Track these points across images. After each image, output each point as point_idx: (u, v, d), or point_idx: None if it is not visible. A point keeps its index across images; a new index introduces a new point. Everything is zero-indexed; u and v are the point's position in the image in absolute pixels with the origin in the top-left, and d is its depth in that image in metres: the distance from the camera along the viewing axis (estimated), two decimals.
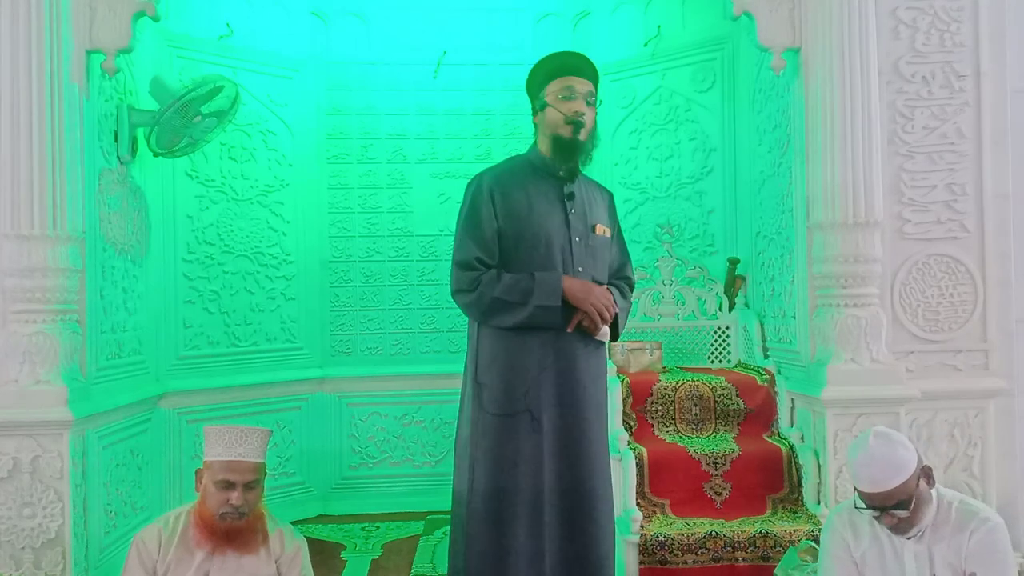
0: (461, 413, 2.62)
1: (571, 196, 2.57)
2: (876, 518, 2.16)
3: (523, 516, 2.44)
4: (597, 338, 2.54)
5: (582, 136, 2.52)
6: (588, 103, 2.53)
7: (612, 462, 3.28)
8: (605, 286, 2.60)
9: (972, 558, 2.13)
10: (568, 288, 2.44)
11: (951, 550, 2.15)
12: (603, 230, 2.62)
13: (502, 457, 2.47)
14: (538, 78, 2.59)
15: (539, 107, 2.58)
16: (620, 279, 2.72)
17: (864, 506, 2.15)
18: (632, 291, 2.76)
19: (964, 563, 2.14)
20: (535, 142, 2.64)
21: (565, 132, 2.50)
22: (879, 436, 2.15)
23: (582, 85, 2.52)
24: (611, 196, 2.78)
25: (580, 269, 2.53)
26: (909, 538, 2.18)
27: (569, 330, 2.47)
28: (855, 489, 2.18)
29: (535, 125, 2.63)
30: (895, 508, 2.10)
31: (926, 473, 2.16)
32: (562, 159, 2.54)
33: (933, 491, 2.18)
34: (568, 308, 2.46)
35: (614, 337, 2.64)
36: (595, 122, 2.58)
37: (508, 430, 2.47)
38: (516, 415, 2.47)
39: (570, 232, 2.54)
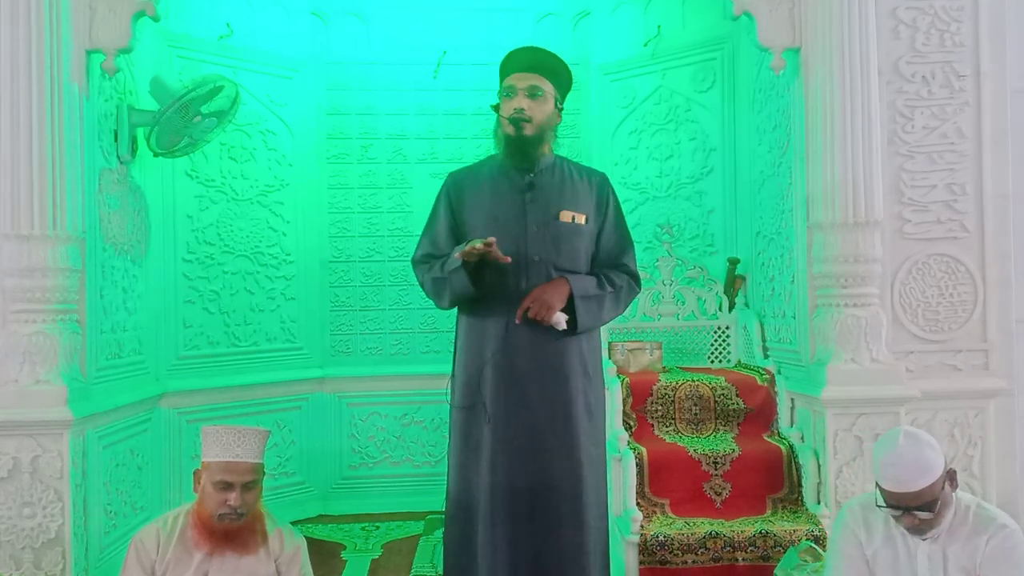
0: None
1: (531, 186, 2.55)
2: (896, 518, 2.13)
3: (481, 510, 2.43)
4: (552, 325, 2.42)
5: (528, 131, 2.50)
6: (532, 96, 2.51)
7: (612, 462, 3.28)
8: (562, 275, 2.50)
9: (988, 563, 2.11)
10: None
11: (965, 553, 2.13)
12: (571, 216, 2.55)
13: (465, 450, 2.51)
14: (499, 80, 2.63)
15: (495, 109, 2.61)
16: (616, 268, 2.63)
17: (884, 504, 2.12)
18: (637, 281, 2.66)
19: (979, 567, 2.12)
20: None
21: (509, 131, 2.52)
22: (909, 436, 2.11)
23: (522, 80, 2.52)
24: (602, 181, 2.67)
25: (536, 258, 2.50)
26: (925, 539, 2.16)
27: (517, 321, 2.42)
28: (876, 487, 2.14)
29: None
30: (919, 509, 2.07)
31: (951, 476, 2.13)
32: (512, 158, 2.56)
33: (954, 494, 2.16)
34: (480, 278, 2.44)
35: (574, 327, 2.47)
36: (551, 113, 2.54)
37: (467, 423, 2.51)
38: (473, 408, 2.50)
39: (526, 221, 2.52)
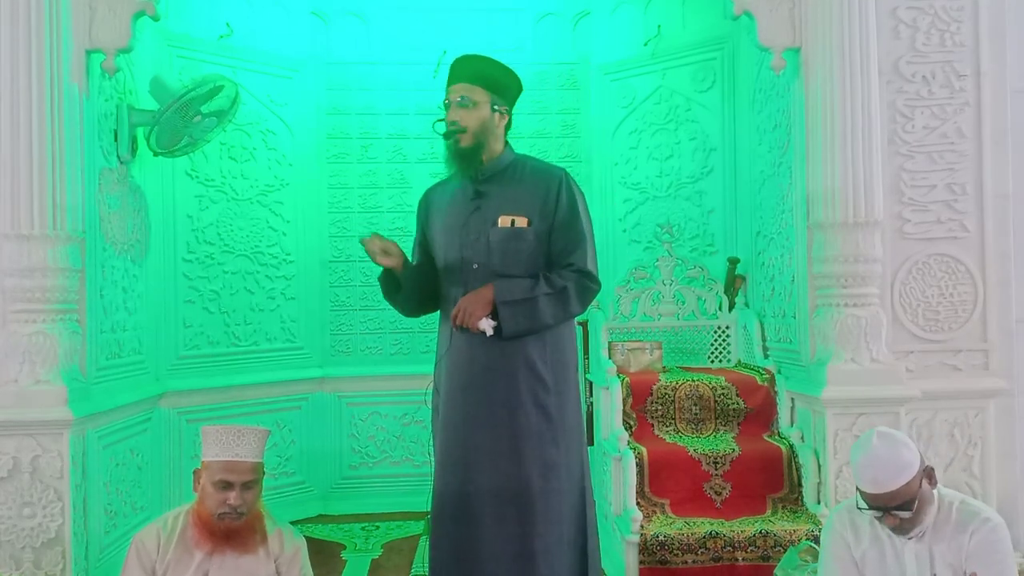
0: None
1: (479, 194, 2.56)
2: (878, 518, 2.15)
3: (444, 512, 2.46)
4: (481, 331, 2.41)
5: (464, 142, 2.51)
6: (463, 106, 2.51)
7: (612, 462, 3.29)
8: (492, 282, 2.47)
9: (973, 558, 2.12)
10: None
11: (951, 550, 2.14)
12: (510, 221, 2.51)
13: (434, 452, 2.58)
14: None
15: None
16: (565, 267, 2.52)
17: (866, 506, 2.13)
18: (590, 278, 2.53)
19: (964, 563, 2.13)
20: None
21: (449, 143, 2.54)
22: (882, 437, 2.13)
23: (454, 93, 2.53)
24: (558, 179, 2.56)
25: (475, 266, 2.50)
26: (910, 538, 2.17)
27: (453, 328, 2.47)
28: (857, 489, 2.17)
29: None
30: (898, 509, 2.09)
31: (928, 474, 2.14)
32: (456, 169, 2.58)
33: (935, 491, 2.17)
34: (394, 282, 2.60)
35: (503, 330, 2.42)
36: (486, 119, 2.52)
37: (433, 426, 2.61)
38: (436, 411, 2.60)
39: (469, 229, 2.53)
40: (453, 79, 2.55)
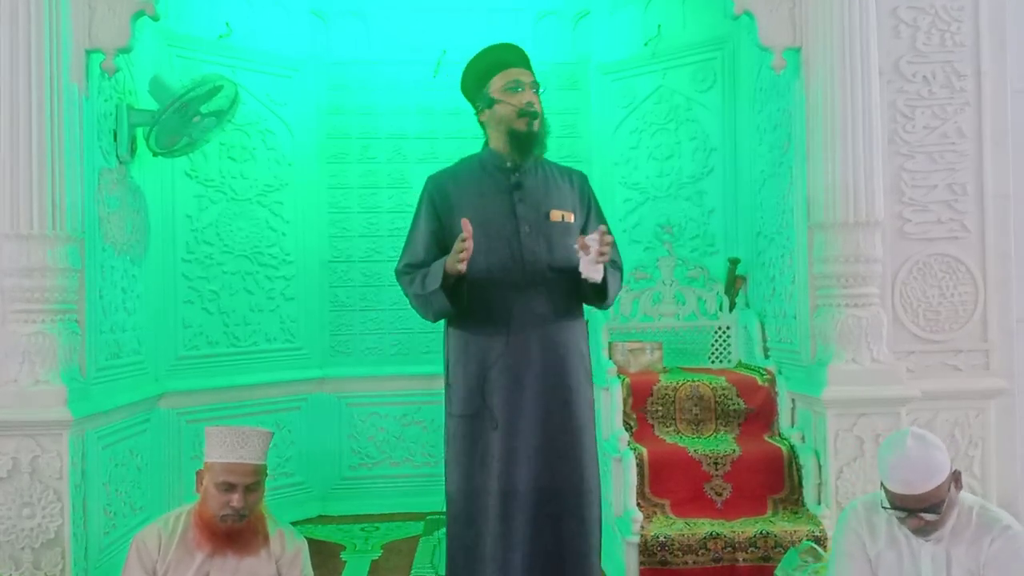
0: None
1: (518, 186, 2.53)
2: (901, 520, 2.12)
3: (491, 518, 2.42)
4: (590, 273, 2.37)
5: (536, 127, 2.51)
6: (536, 91, 2.53)
7: (612, 462, 3.29)
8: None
9: (991, 564, 2.09)
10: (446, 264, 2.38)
11: (969, 555, 2.12)
12: (560, 215, 2.53)
13: (468, 460, 2.49)
14: (476, 75, 2.57)
15: (486, 105, 2.55)
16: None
17: (890, 506, 2.10)
18: (621, 273, 2.64)
19: (982, 568, 2.10)
20: (487, 140, 2.61)
21: (520, 125, 2.49)
22: (917, 437, 2.09)
23: (526, 76, 2.52)
24: (583, 180, 2.67)
25: (531, 258, 2.47)
26: (928, 541, 2.14)
27: (586, 251, 2.34)
28: (882, 488, 2.13)
29: (483, 124, 2.60)
30: (925, 511, 2.06)
31: (956, 477, 2.12)
32: (520, 152, 2.53)
33: (959, 495, 2.15)
34: (456, 291, 2.39)
35: (608, 294, 2.49)
36: (542, 109, 2.56)
37: (471, 431, 2.49)
38: (476, 415, 2.47)
39: (517, 222, 2.49)
40: (519, 62, 2.53)
